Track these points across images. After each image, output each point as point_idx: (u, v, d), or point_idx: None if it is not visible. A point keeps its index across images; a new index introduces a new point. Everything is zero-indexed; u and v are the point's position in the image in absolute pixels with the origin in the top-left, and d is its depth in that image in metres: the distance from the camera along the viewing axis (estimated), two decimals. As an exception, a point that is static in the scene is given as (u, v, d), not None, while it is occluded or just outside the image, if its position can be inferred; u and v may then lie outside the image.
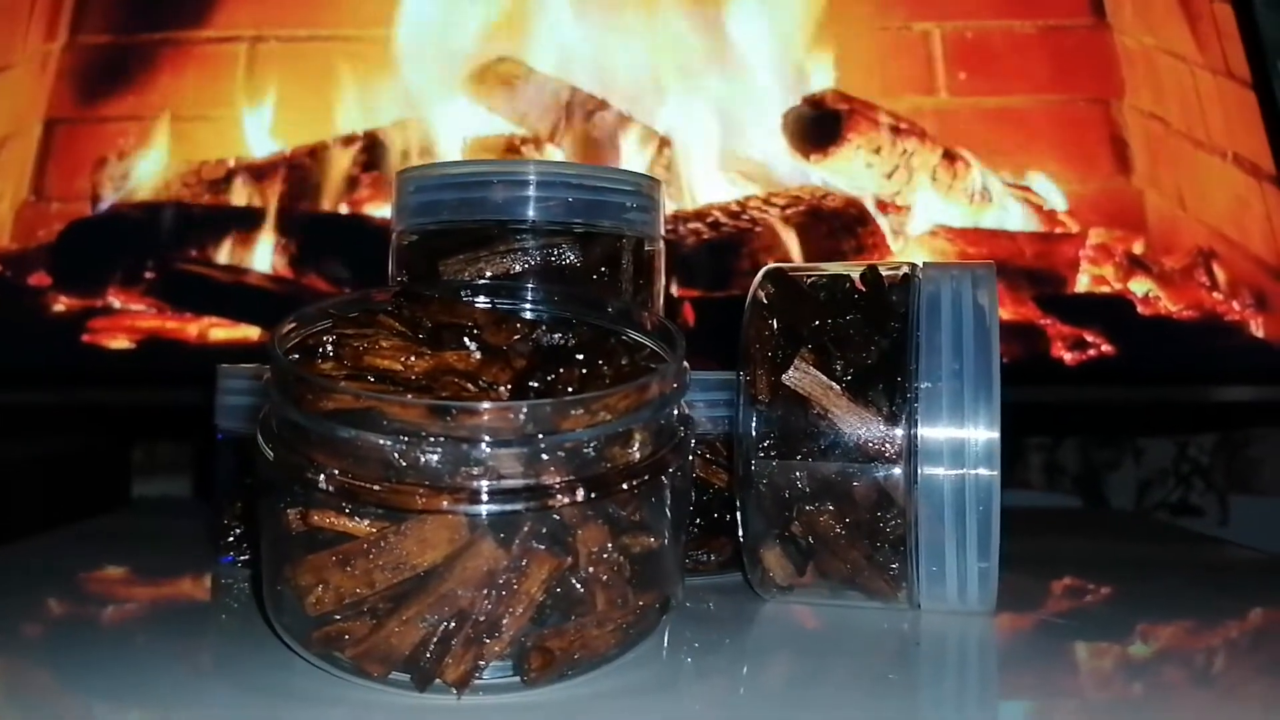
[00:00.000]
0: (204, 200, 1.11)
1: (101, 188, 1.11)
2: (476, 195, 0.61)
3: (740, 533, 0.54)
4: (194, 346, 1.07)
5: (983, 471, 0.49)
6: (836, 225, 1.11)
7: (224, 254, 1.09)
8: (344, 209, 1.11)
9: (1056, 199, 1.11)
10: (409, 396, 0.40)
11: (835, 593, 0.54)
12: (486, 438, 0.39)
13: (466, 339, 0.44)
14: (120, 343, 1.06)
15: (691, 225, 1.11)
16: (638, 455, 0.42)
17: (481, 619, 0.40)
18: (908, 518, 0.50)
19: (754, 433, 0.52)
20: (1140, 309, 1.09)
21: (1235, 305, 1.09)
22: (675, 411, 0.44)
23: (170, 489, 1.34)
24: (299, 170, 1.12)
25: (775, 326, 0.53)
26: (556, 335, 0.46)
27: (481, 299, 0.51)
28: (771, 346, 0.53)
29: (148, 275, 1.08)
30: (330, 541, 0.41)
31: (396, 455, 0.39)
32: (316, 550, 0.41)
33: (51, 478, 1.01)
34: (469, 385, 0.41)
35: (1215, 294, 1.09)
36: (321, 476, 0.40)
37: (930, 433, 0.50)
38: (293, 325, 0.45)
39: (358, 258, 1.10)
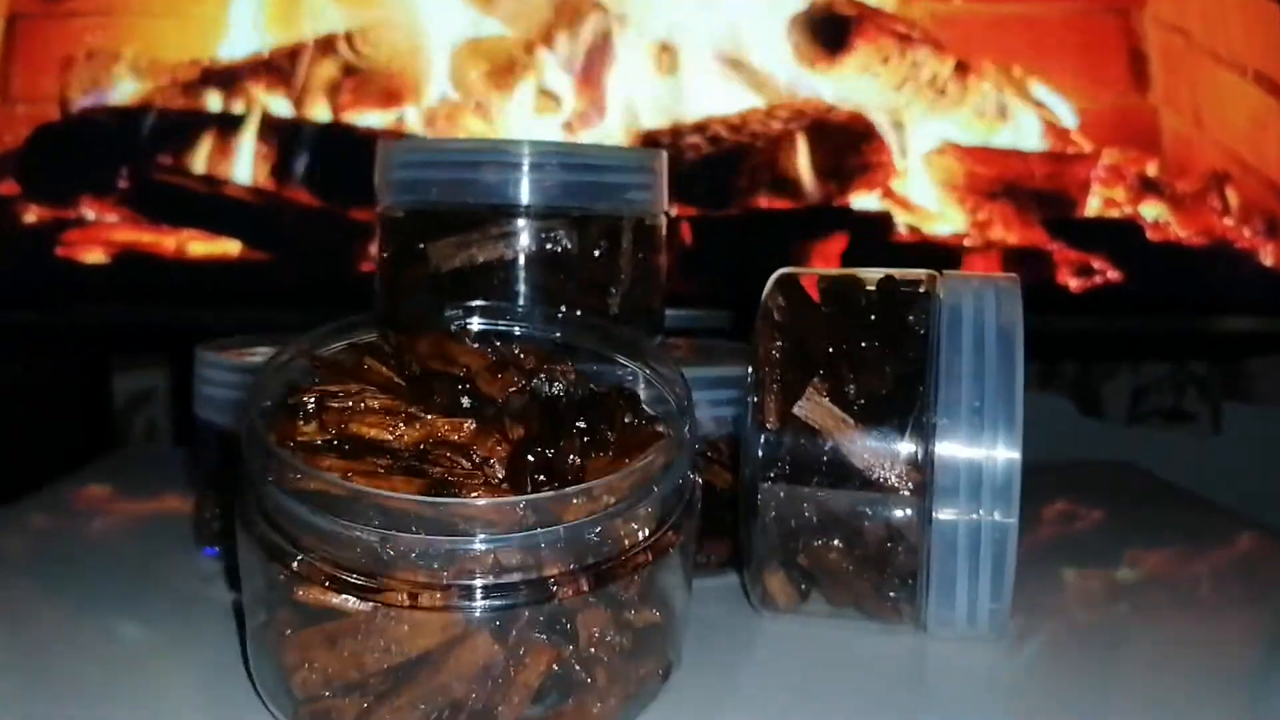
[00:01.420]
0: (178, 104, 1.05)
1: (69, 89, 1.05)
2: (467, 176, 0.57)
3: (741, 553, 0.52)
4: (172, 261, 1.02)
5: (998, 516, 0.47)
6: (841, 140, 1.06)
7: (200, 162, 1.04)
8: (326, 115, 1.06)
9: (1070, 116, 1.06)
10: (397, 480, 0.37)
11: (838, 615, 0.52)
12: (482, 534, 0.36)
13: (461, 394, 0.41)
14: (96, 256, 1.02)
15: (690, 140, 1.06)
16: (643, 534, 0.39)
17: (478, 708, 0.38)
18: (919, 556, 0.48)
19: (760, 457, 0.49)
20: (1149, 234, 1.06)
21: (1246, 232, 1.05)
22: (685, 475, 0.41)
23: (152, 381, 1.32)
24: (278, 73, 1.06)
25: (785, 347, 0.50)
26: (556, 385, 0.43)
27: (475, 321, 0.47)
28: (781, 368, 0.49)
29: (121, 184, 1.03)
30: (316, 616, 0.39)
31: (384, 547, 0.36)
32: (303, 619, 0.39)
33: (29, 406, 0.98)
34: (462, 460, 0.38)
35: (1226, 219, 1.05)
36: (302, 562, 0.37)
37: (946, 470, 0.47)
38: (269, 370, 0.42)
39: (339, 167, 1.05)
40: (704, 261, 1.03)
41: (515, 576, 0.37)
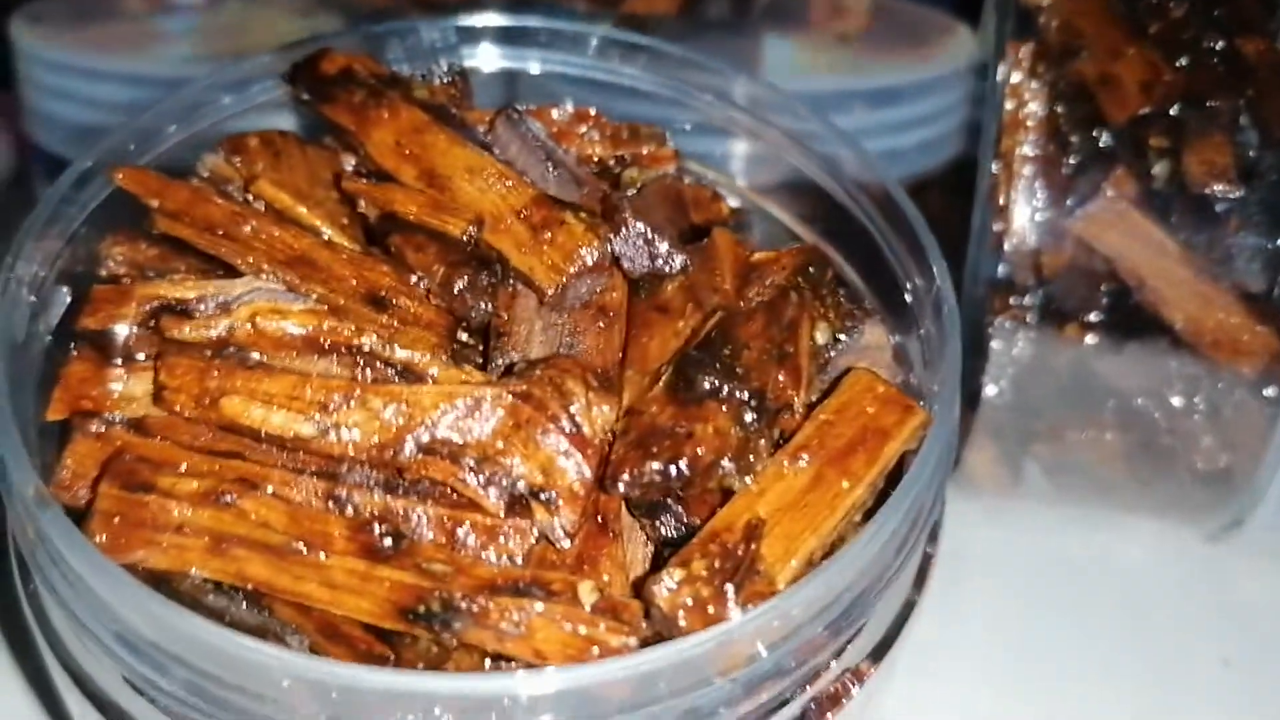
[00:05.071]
0: None
1: None
2: None
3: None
4: None
5: None
6: None
7: None
8: None
9: None
10: (336, 571, 0.15)
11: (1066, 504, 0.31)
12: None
13: (471, 290, 0.18)
14: None
15: None
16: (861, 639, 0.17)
17: None
18: (1266, 448, 0.26)
19: (995, 280, 0.26)
20: None
21: None
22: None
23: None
24: None
25: (1054, 94, 0.26)
26: (664, 249, 0.19)
27: (481, 54, 0.23)
28: (1044, 139, 0.25)
29: None
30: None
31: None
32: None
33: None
34: (483, 493, 0.16)
35: None
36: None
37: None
38: (31, 231, 0.18)
39: None
40: None
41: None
